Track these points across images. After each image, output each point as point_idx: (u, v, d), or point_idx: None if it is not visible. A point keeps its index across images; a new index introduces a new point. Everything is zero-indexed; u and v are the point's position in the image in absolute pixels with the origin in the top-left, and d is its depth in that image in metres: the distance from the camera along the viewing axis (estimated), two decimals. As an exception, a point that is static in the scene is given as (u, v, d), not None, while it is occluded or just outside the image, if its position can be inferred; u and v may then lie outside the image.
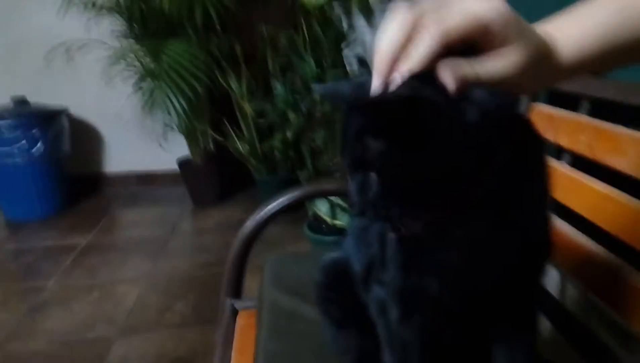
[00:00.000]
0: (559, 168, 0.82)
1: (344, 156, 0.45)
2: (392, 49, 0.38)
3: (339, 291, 0.68)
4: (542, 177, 0.50)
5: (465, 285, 0.50)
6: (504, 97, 0.42)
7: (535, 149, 0.49)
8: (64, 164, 2.74)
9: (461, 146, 0.41)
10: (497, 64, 0.38)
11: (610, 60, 0.44)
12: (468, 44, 0.38)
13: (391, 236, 0.50)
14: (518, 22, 0.38)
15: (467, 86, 0.38)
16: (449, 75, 0.37)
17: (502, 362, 0.56)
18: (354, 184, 0.44)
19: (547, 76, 0.41)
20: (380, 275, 0.55)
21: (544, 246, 0.54)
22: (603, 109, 0.77)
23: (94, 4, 2.35)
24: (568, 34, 0.43)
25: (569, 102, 0.85)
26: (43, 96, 2.70)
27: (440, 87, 0.39)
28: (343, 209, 1.88)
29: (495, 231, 0.47)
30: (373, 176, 0.43)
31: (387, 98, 0.39)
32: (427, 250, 0.49)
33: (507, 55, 0.38)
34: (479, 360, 0.57)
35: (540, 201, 0.51)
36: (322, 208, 1.96)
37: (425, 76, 0.39)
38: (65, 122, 2.71)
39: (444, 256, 0.48)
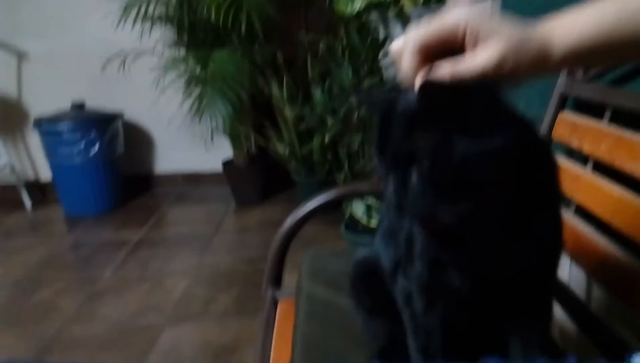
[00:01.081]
0: (583, 174, 0.86)
1: (386, 154, 0.49)
2: (394, 56, 0.47)
3: (370, 284, 0.73)
4: (553, 185, 0.55)
5: (484, 280, 0.55)
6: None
7: (548, 163, 0.55)
8: (118, 165, 2.89)
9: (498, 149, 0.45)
10: (475, 59, 0.44)
11: (607, 53, 0.46)
12: (452, 48, 0.45)
13: (419, 232, 0.55)
14: (490, 22, 0.44)
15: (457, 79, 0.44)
16: (440, 74, 0.44)
17: (517, 350, 0.61)
18: (392, 181, 0.48)
19: (536, 63, 0.45)
20: (407, 269, 0.61)
21: (555, 247, 0.58)
22: (625, 118, 0.80)
23: (146, 15, 2.49)
24: (566, 25, 0.46)
25: (594, 110, 0.88)
26: (99, 101, 2.87)
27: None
28: (378, 210, 1.93)
29: (513, 233, 0.52)
30: (414, 172, 0.46)
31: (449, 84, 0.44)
32: (450, 248, 0.54)
33: (483, 50, 0.44)
34: (496, 347, 0.62)
35: (552, 206, 0.56)
36: (358, 209, 2.02)
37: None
38: (120, 126, 2.87)
39: (466, 254, 0.53)
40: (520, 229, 0.52)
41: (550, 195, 0.55)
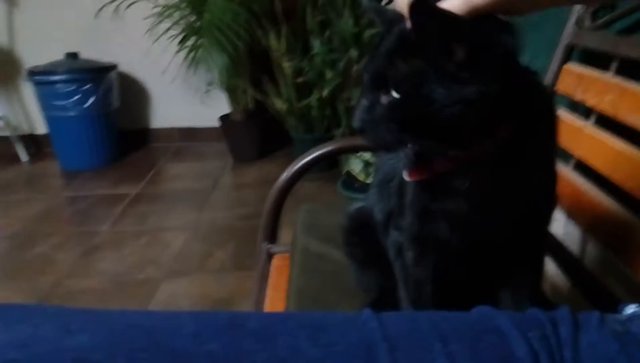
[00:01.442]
0: (585, 127, 0.84)
1: (367, 70, 0.48)
2: None
3: (362, 236, 0.73)
4: (551, 139, 0.54)
5: (473, 232, 0.54)
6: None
7: (548, 115, 0.53)
8: (114, 118, 2.86)
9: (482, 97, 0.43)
10: None
11: None
12: None
13: (408, 179, 0.53)
14: None
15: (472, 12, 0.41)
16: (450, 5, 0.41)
17: (507, 302, 0.61)
18: (364, 101, 0.48)
19: None
20: (398, 221, 0.60)
21: (548, 201, 0.57)
22: (632, 70, 0.78)
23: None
24: None
25: (600, 62, 0.85)
26: (94, 52, 2.80)
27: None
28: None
29: (502, 185, 0.51)
30: (384, 97, 0.46)
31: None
32: (440, 198, 0.53)
33: None
34: (487, 299, 0.63)
35: (548, 160, 0.55)
36: (355, 166, 2.00)
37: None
38: (114, 78, 2.81)
39: (454, 205, 0.52)
40: (511, 181, 0.51)
41: (545, 148, 0.54)
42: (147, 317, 0.39)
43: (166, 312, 0.40)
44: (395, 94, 0.45)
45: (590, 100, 0.83)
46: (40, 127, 3.01)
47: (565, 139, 0.86)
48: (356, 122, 0.48)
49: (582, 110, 0.89)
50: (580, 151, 0.84)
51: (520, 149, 0.49)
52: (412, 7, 0.40)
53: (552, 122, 0.53)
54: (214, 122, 2.88)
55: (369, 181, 1.99)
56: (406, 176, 0.52)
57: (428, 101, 0.43)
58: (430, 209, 0.54)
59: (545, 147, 0.54)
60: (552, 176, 0.56)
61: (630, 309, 0.44)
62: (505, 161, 0.49)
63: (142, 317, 0.39)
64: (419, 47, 0.43)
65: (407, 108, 0.45)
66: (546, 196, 0.57)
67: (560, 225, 1.01)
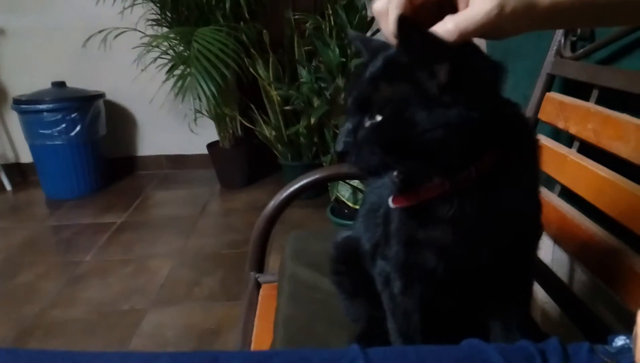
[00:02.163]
0: (569, 155, 0.85)
1: (350, 95, 0.49)
2: (377, 16, 0.46)
3: (350, 265, 0.73)
4: (534, 167, 0.55)
5: (459, 259, 0.54)
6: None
7: (530, 144, 0.54)
8: (100, 146, 2.84)
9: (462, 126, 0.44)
10: (476, 8, 0.42)
11: (585, 10, 0.46)
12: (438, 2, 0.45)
13: (392, 206, 0.53)
14: None
15: (463, 37, 0.42)
16: (443, 30, 0.42)
17: (497, 333, 0.60)
18: (348, 124, 0.49)
19: (523, 16, 0.44)
20: (384, 250, 0.60)
21: (533, 228, 0.58)
22: (611, 98, 0.79)
23: (129, -9, 2.42)
24: None
25: (580, 91, 0.87)
26: (81, 81, 2.80)
27: None
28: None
29: (486, 212, 0.51)
30: (368, 121, 0.47)
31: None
32: (425, 226, 0.53)
33: (477, 3, 0.42)
34: (476, 330, 0.62)
35: (532, 187, 0.56)
36: (344, 192, 2.00)
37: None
38: (101, 106, 2.81)
39: (439, 232, 0.52)
40: (495, 208, 0.51)
41: (528, 176, 0.54)
42: (125, 359, 0.38)
43: (145, 353, 0.39)
44: (378, 117, 0.46)
45: (573, 128, 0.84)
46: (26, 156, 2.98)
47: (549, 166, 0.87)
48: (339, 145, 0.48)
49: (566, 138, 0.91)
50: (565, 178, 0.85)
51: (503, 177, 0.50)
52: (400, 21, 0.41)
53: (534, 151, 0.54)
54: (202, 150, 2.88)
55: (358, 207, 1.99)
56: (391, 203, 0.52)
57: (411, 123, 0.44)
58: (416, 237, 0.54)
59: (528, 175, 0.54)
60: (536, 203, 0.57)
61: (620, 341, 0.44)
62: (489, 189, 0.50)
63: (120, 359, 0.38)
64: (404, 70, 0.44)
65: (390, 130, 0.45)
66: (531, 224, 0.57)
67: (548, 251, 1.02)
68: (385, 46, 0.48)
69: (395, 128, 0.45)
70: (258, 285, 1.03)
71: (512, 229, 0.54)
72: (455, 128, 0.43)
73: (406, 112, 0.44)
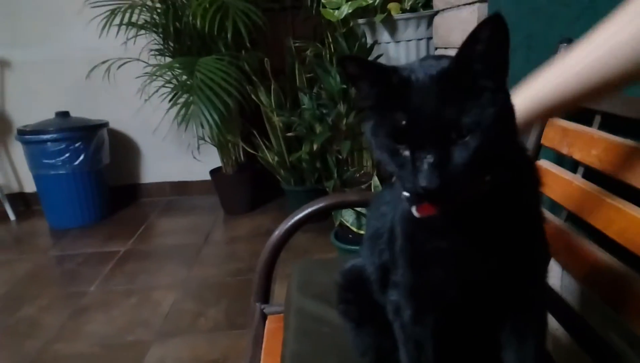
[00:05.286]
0: (574, 181, 0.84)
1: (415, 125, 0.46)
2: None
3: (356, 293, 0.72)
4: (534, 193, 0.56)
5: (466, 271, 0.53)
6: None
7: (530, 175, 0.56)
8: (104, 175, 2.86)
9: None
10: None
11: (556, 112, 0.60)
12: None
13: (417, 215, 0.51)
14: None
15: None
16: None
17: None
18: (428, 158, 0.44)
19: None
20: (393, 276, 0.60)
21: (539, 247, 0.58)
22: (614, 123, 0.79)
23: (131, 22, 2.46)
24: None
25: (583, 116, 0.87)
26: (84, 111, 2.83)
27: None
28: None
29: (491, 224, 0.51)
30: (456, 147, 0.45)
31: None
32: (430, 242, 0.53)
33: None
34: (490, 360, 0.61)
35: (533, 203, 0.56)
36: (348, 217, 1.99)
37: None
38: (105, 135, 2.83)
39: (445, 247, 0.52)
40: (499, 220, 0.52)
41: (529, 193, 0.56)
42: None
43: None
44: (468, 138, 0.44)
45: (577, 154, 0.84)
46: (29, 186, 2.99)
47: (555, 192, 0.87)
48: (432, 183, 0.43)
49: (570, 163, 0.90)
50: (570, 203, 0.84)
51: (508, 193, 0.51)
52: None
53: (534, 173, 0.56)
54: (205, 176, 2.89)
55: (362, 232, 1.98)
56: (416, 213, 0.50)
57: (499, 130, 0.45)
58: (422, 252, 0.54)
59: (529, 186, 0.56)
60: (538, 217, 0.57)
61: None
62: (495, 202, 0.50)
63: None
64: (471, 82, 0.45)
65: (487, 147, 0.44)
66: (536, 241, 0.57)
67: (557, 278, 1.01)
68: (387, 67, 0.48)
69: (491, 143, 0.44)
70: (264, 316, 1.02)
71: (516, 240, 0.53)
72: (512, 116, 0.48)
73: (495, 122, 0.44)
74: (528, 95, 0.61)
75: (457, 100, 0.44)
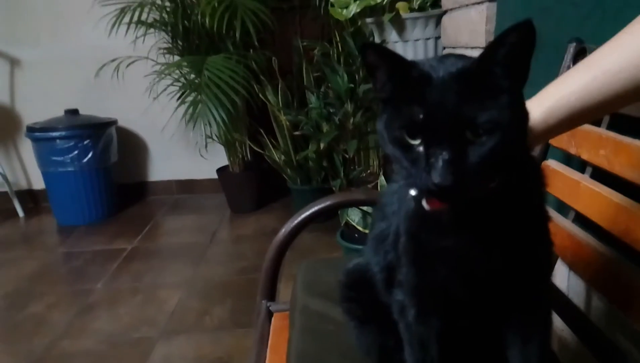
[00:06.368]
0: (582, 181, 0.84)
1: (432, 121, 0.45)
2: None
3: (359, 292, 0.72)
4: (539, 193, 0.56)
5: (470, 273, 0.53)
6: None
7: (535, 175, 0.55)
8: (112, 173, 2.87)
9: None
10: None
11: (575, 122, 0.59)
12: None
13: (428, 208, 0.50)
14: None
15: None
16: None
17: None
18: (443, 155, 0.44)
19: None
20: (398, 275, 0.60)
21: (544, 246, 0.57)
22: (623, 123, 0.79)
23: (141, 22, 2.47)
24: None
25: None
26: (93, 109, 2.85)
27: None
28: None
29: (494, 220, 0.51)
30: (476, 144, 0.44)
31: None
32: (434, 241, 0.53)
33: None
34: (495, 360, 0.61)
35: (536, 202, 0.56)
36: (354, 217, 1.99)
37: None
38: (113, 133, 2.85)
39: (449, 246, 0.52)
40: (502, 217, 0.51)
41: (532, 191, 0.55)
42: None
43: None
44: (486, 137, 0.44)
45: (585, 154, 0.83)
46: (38, 183, 3.02)
47: (563, 192, 0.86)
48: (446, 180, 0.43)
49: (578, 163, 0.90)
50: (578, 204, 0.84)
51: (513, 192, 0.51)
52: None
53: (539, 173, 0.56)
54: (212, 174, 2.90)
55: (368, 231, 1.98)
56: (426, 206, 0.50)
57: (515, 129, 0.46)
58: (426, 251, 0.54)
59: (532, 189, 0.55)
60: (542, 217, 0.56)
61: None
62: (500, 201, 0.50)
63: None
64: (488, 80, 0.45)
65: (503, 145, 0.44)
66: (540, 240, 0.56)
67: (563, 278, 1.00)
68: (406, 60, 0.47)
69: (505, 144, 0.44)
70: (270, 314, 1.02)
71: (519, 237, 0.53)
72: (526, 120, 0.49)
73: (511, 124, 0.45)
74: (549, 103, 0.59)
75: (477, 99, 0.44)
